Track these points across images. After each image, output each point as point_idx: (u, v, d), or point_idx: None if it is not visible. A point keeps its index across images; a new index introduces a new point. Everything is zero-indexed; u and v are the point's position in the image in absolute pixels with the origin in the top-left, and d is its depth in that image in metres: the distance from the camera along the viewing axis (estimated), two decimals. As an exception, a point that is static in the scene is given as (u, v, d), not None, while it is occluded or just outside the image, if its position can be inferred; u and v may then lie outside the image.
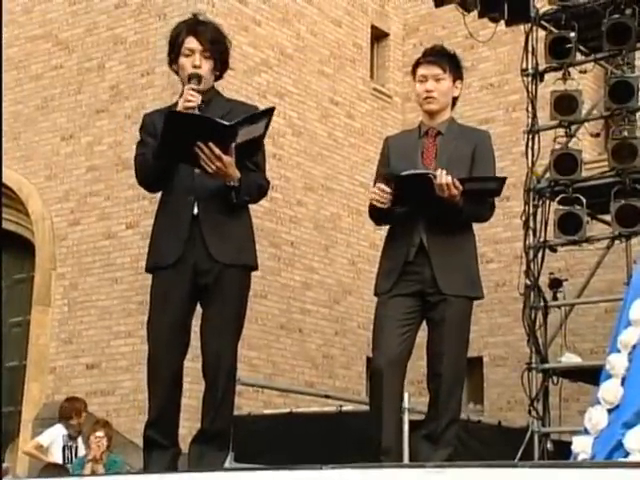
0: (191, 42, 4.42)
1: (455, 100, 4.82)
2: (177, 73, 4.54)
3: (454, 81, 4.75)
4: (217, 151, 4.15)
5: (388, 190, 4.54)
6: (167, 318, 4.28)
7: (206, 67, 4.41)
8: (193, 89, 4.31)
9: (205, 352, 4.28)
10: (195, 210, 4.28)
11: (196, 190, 4.29)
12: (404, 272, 4.57)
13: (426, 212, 4.56)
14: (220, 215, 4.30)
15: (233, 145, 4.17)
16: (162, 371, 4.29)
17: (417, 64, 4.80)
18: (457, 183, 4.44)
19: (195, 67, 4.38)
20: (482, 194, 4.62)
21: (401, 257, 4.59)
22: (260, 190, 4.42)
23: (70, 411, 9.53)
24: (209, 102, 4.39)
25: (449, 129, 4.73)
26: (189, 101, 4.27)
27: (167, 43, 4.54)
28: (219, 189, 4.27)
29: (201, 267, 4.26)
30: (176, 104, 4.44)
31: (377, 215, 4.73)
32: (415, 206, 4.59)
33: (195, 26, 4.47)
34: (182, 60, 4.43)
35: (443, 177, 4.43)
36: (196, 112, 4.27)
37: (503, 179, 4.59)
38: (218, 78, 4.55)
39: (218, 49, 4.47)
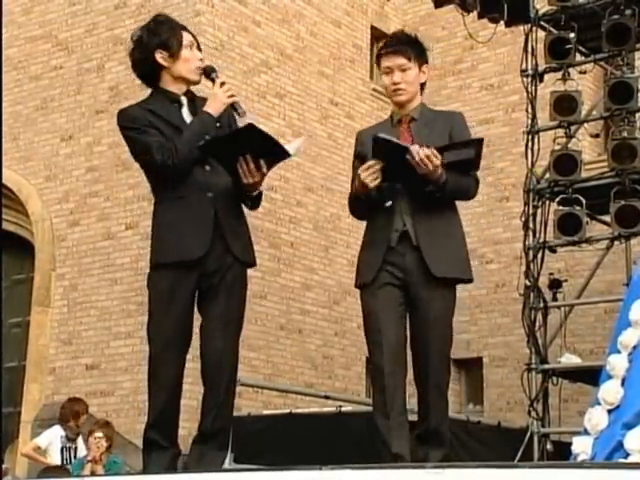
0: (189, 37, 4.44)
1: (423, 85, 4.69)
2: (156, 66, 4.41)
3: (420, 67, 4.61)
4: (265, 170, 4.23)
5: (374, 163, 4.38)
6: (173, 317, 4.23)
7: None
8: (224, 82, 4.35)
9: (208, 351, 4.25)
10: (215, 207, 4.28)
11: (211, 187, 4.29)
12: (387, 261, 4.43)
13: (410, 192, 4.41)
14: (234, 212, 4.35)
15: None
16: (167, 371, 4.25)
17: (380, 55, 4.65)
18: (436, 152, 4.30)
19: (201, 60, 4.42)
20: (462, 165, 4.44)
21: (384, 244, 4.45)
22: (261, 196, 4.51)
23: (68, 414, 9.53)
24: (193, 100, 4.42)
25: (422, 114, 4.61)
26: (232, 96, 4.32)
27: (152, 32, 4.42)
28: (230, 186, 4.30)
29: (218, 264, 4.25)
30: (150, 98, 4.43)
31: (360, 205, 4.57)
32: (396, 181, 4.42)
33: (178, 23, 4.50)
34: (186, 53, 4.39)
35: (421, 152, 4.28)
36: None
37: (480, 140, 4.42)
38: None
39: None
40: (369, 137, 4.50)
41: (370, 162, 4.40)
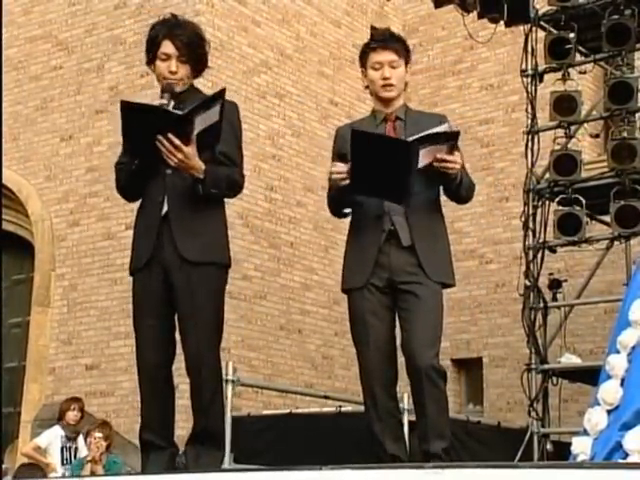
0: (167, 46, 4.36)
1: (406, 85, 4.60)
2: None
3: (406, 66, 4.55)
4: (177, 142, 4.10)
5: (343, 165, 4.25)
6: (147, 321, 4.36)
7: (182, 71, 4.37)
8: (164, 104, 4.28)
9: (185, 354, 4.26)
10: (165, 209, 4.28)
11: (166, 190, 4.29)
12: (376, 263, 4.30)
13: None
14: (190, 212, 4.26)
15: (194, 135, 4.12)
16: (148, 372, 4.31)
17: (367, 50, 4.61)
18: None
19: (171, 72, 4.35)
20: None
21: (374, 247, 4.32)
22: (231, 183, 4.32)
23: (59, 413, 9.59)
24: (185, 101, 4.33)
25: (407, 114, 4.52)
26: None
27: (145, 41, 4.48)
28: (189, 187, 4.24)
29: (171, 265, 4.26)
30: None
31: (338, 202, 4.42)
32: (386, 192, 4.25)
33: (172, 29, 4.40)
34: (158, 63, 4.39)
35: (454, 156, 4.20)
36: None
37: (457, 132, 4.34)
38: (197, 76, 4.50)
39: (194, 51, 4.40)
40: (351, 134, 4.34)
41: (340, 166, 4.29)
